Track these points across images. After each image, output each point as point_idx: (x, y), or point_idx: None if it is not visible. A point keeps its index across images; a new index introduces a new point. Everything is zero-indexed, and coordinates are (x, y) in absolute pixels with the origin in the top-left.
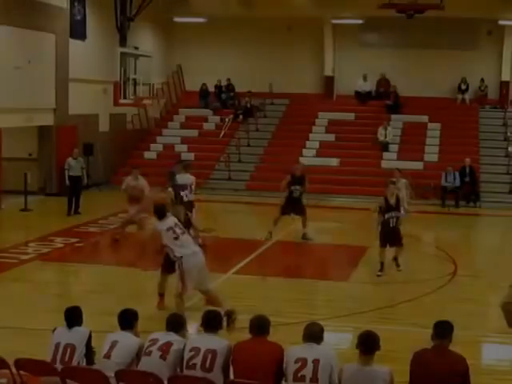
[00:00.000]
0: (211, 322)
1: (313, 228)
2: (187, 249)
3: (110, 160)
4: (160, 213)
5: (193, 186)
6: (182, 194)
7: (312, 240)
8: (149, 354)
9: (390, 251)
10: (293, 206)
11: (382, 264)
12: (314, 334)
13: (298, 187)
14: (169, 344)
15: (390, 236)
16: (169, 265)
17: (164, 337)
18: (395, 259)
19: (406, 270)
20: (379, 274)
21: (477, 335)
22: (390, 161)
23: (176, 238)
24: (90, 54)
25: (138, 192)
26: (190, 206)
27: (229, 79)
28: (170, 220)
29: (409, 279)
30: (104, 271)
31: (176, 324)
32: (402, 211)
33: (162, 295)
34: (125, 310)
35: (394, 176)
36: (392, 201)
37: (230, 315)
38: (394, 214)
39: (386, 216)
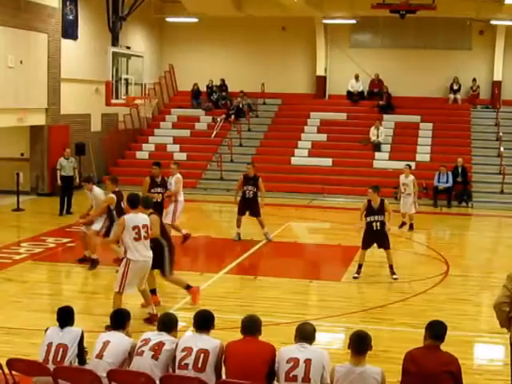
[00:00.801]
0: (203, 322)
1: (305, 228)
2: (140, 255)
3: (102, 160)
4: (131, 202)
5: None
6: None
7: (271, 240)
8: (141, 353)
9: (382, 256)
10: (247, 206)
11: (360, 266)
12: (306, 334)
13: (250, 188)
14: (161, 344)
15: (374, 239)
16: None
17: (156, 337)
18: (390, 267)
19: (398, 269)
20: (356, 275)
21: (469, 335)
22: (382, 161)
23: (136, 239)
24: (81, 53)
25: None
26: None
27: (223, 79)
28: (141, 218)
29: (401, 279)
30: (96, 271)
31: (168, 324)
32: (412, 206)
33: (153, 291)
34: (117, 310)
35: (403, 172)
36: (375, 205)
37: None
38: (378, 218)
39: (368, 219)
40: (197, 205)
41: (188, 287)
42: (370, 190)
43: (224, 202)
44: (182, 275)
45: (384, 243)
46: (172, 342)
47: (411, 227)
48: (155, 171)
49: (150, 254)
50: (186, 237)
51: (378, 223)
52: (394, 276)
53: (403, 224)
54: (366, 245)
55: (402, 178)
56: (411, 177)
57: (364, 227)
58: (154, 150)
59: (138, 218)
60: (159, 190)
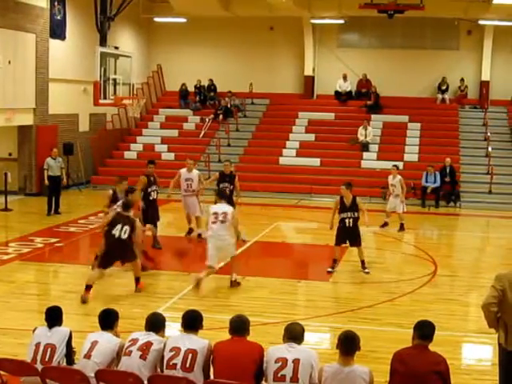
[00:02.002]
0: (191, 322)
1: (293, 228)
2: None
3: (90, 160)
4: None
5: None
6: None
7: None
8: (129, 354)
9: (369, 256)
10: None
11: (334, 261)
12: (294, 334)
13: (226, 185)
14: (149, 344)
15: (347, 235)
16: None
17: (144, 337)
18: (362, 262)
19: (386, 269)
20: (330, 270)
21: (457, 335)
22: (370, 161)
23: None
24: (70, 53)
25: None
26: None
27: (211, 79)
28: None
29: (389, 279)
30: (84, 271)
31: (156, 324)
32: (400, 205)
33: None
34: (105, 310)
35: (391, 173)
36: (347, 202)
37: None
38: (350, 215)
39: (342, 216)
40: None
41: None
42: (342, 187)
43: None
44: (170, 275)
45: (355, 241)
46: (160, 342)
47: (402, 227)
48: (151, 170)
49: None
50: (192, 233)
51: (351, 220)
52: (366, 270)
53: (385, 224)
54: (339, 241)
55: (390, 178)
56: (398, 177)
57: (337, 224)
58: (142, 150)
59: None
60: (155, 187)
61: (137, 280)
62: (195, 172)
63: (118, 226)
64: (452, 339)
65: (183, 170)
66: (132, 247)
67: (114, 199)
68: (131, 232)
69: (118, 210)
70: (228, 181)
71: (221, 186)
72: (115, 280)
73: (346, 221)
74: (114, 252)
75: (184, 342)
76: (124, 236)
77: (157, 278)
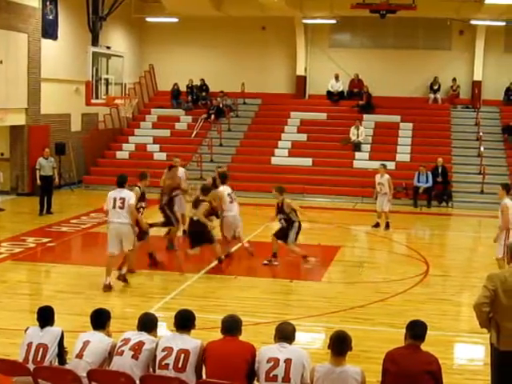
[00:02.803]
0: (184, 322)
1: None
2: None
3: (82, 160)
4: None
5: None
6: None
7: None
8: (121, 353)
9: (361, 256)
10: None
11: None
12: (286, 334)
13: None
14: (141, 343)
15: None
16: None
17: (136, 336)
18: (273, 255)
19: (378, 269)
20: (265, 262)
21: (449, 335)
22: (362, 161)
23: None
24: (61, 53)
25: None
26: None
27: (203, 79)
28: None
29: (381, 279)
30: (76, 271)
31: (148, 323)
32: (387, 204)
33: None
34: (97, 310)
35: (378, 172)
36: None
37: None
38: (282, 216)
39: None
40: None
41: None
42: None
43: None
44: (164, 275)
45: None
46: (152, 342)
47: (387, 226)
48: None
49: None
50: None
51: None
52: (276, 262)
53: (378, 225)
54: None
55: (378, 177)
56: (386, 176)
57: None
58: (134, 149)
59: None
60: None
61: (219, 261)
62: (181, 170)
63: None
64: (444, 339)
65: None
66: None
67: (141, 197)
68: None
69: (199, 195)
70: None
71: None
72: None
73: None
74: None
75: (176, 341)
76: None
77: (149, 278)
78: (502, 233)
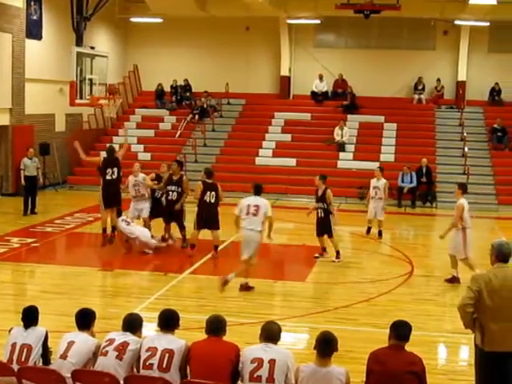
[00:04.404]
0: (168, 322)
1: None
2: None
3: (67, 160)
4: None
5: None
6: None
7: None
8: (105, 354)
9: (347, 257)
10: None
11: (324, 249)
12: (271, 334)
13: (174, 188)
14: (125, 344)
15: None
16: None
17: (120, 337)
18: (323, 249)
19: (363, 270)
20: (317, 255)
21: (433, 335)
22: (346, 161)
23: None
24: (46, 53)
25: None
26: None
27: (186, 80)
28: None
29: (365, 279)
30: (61, 271)
31: (132, 324)
32: (382, 211)
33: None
34: (82, 310)
35: (374, 175)
36: (319, 192)
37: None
38: (322, 206)
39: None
40: None
41: None
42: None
43: (188, 203)
44: (146, 276)
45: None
46: (136, 343)
47: (380, 234)
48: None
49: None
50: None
51: (321, 210)
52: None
53: (370, 230)
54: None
55: (374, 181)
56: (383, 180)
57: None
58: (119, 149)
59: None
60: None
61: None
62: (141, 176)
63: (208, 193)
64: (428, 339)
65: (130, 177)
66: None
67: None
68: (217, 196)
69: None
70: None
71: (168, 188)
72: (92, 279)
73: (318, 211)
74: (204, 215)
75: (160, 341)
76: (212, 200)
77: (133, 278)
78: (458, 231)
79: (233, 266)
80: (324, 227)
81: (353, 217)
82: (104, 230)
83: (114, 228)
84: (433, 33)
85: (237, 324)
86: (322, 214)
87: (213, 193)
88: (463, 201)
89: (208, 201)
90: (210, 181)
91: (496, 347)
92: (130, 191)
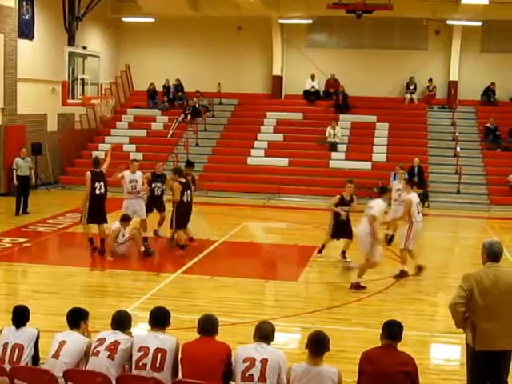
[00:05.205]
0: (159, 319)
1: (261, 228)
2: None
3: (59, 160)
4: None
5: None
6: None
7: (159, 237)
8: (96, 354)
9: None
10: (155, 203)
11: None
12: (265, 333)
13: (159, 185)
14: (116, 343)
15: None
16: None
17: (111, 336)
18: (343, 253)
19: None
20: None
21: (425, 335)
22: (338, 161)
23: None
24: (38, 53)
25: None
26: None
27: (178, 79)
28: None
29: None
30: (52, 271)
31: (122, 322)
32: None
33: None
34: (73, 310)
35: (398, 174)
36: (348, 197)
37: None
38: (348, 209)
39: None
40: None
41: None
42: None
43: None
44: (139, 275)
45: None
46: (127, 341)
47: (391, 240)
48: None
49: None
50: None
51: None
52: (347, 260)
53: (388, 237)
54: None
55: (395, 183)
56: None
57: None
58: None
59: None
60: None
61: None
62: (138, 173)
63: (186, 192)
64: (420, 339)
65: (126, 172)
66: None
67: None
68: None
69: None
70: (160, 181)
71: (152, 185)
72: (83, 279)
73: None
74: (187, 214)
75: (152, 340)
76: (189, 199)
77: (125, 278)
78: (406, 224)
79: (224, 265)
80: (348, 230)
81: None
82: (90, 239)
83: (102, 241)
84: (425, 33)
85: (229, 324)
86: (345, 217)
87: (189, 192)
88: (412, 195)
89: (186, 200)
90: (183, 180)
91: (487, 346)
92: (124, 186)
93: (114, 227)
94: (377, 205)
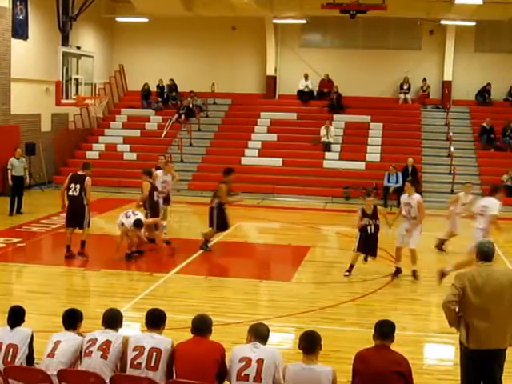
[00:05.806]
0: (155, 320)
1: (255, 228)
2: None
3: (52, 160)
4: None
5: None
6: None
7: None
8: (89, 354)
9: (332, 256)
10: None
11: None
12: (261, 334)
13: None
14: (108, 342)
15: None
16: None
17: (102, 335)
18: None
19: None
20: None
21: (418, 335)
22: (332, 161)
23: None
24: (32, 53)
25: None
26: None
27: (172, 79)
28: None
29: (351, 279)
30: (46, 271)
31: (113, 320)
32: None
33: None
34: (69, 310)
35: (405, 190)
36: (370, 210)
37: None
38: (373, 222)
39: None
40: None
41: None
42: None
43: (174, 202)
44: (132, 276)
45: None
46: (118, 338)
47: (414, 275)
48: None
49: None
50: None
51: (372, 226)
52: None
53: (399, 271)
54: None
55: (405, 197)
56: (416, 196)
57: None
58: (104, 149)
59: None
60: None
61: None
62: (170, 176)
63: (154, 193)
64: (414, 339)
65: (160, 172)
66: None
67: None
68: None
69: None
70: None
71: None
72: (78, 279)
73: (368, 228)
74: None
75: (147, 340)
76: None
77: (119, 278)
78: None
79: (218, 265)
80: (373, 246)
81: (338, 216)
82: (68, 247)
83: (83, 243)
84: (419, 32)
85: (223, 324)
86: (373, 231)
87: (156, 192)
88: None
89: (157, 200)
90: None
91: (481, 345)
92: (156, 185)
93: (126, 224)
94: (493, 204)
